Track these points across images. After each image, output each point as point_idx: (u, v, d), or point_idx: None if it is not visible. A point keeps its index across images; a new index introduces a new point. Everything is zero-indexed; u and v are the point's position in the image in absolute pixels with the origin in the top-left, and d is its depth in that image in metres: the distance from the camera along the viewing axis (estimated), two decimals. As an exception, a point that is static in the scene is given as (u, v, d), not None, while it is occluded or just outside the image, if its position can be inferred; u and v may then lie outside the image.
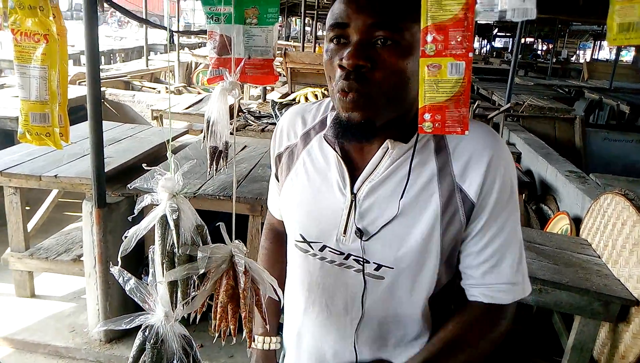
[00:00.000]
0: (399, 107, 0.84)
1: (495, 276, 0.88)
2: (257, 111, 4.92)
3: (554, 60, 14.51)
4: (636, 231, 2.09)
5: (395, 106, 0.83)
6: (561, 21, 12.78)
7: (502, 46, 26.20)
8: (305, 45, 8.95)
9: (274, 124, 4.44)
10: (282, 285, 1.12)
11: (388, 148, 0.86)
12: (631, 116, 7.47)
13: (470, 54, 0.62)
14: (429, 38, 0.63)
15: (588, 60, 17.45)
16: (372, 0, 0.78)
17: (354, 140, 0.86)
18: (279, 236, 1.17)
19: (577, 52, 25.75)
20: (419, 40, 0.77)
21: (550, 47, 21.51)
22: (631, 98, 8.18)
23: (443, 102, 0.65)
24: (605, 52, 24.57)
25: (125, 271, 0.84)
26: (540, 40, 23.21)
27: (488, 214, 0.86)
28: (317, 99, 4.66)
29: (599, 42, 19.68)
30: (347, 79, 0.79)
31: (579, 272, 2.09)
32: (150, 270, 0.80)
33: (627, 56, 19.94)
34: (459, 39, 0.61)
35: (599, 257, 2.32)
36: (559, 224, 3.02)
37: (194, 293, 0.76)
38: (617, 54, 11.90)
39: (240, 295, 0.70)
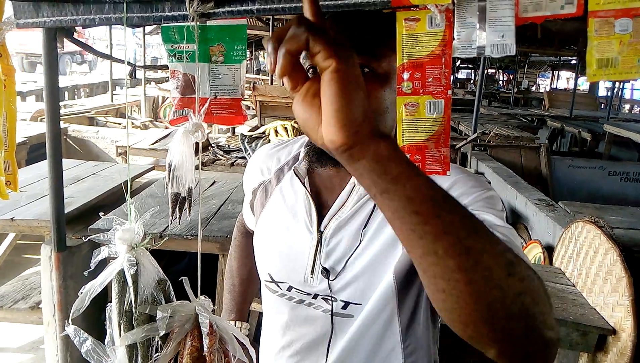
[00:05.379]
0: None
1: None
2: (226, 145, 4.85)
3: (516, 90, 14.99)
4: (609, 259, 2.10)
5: None
6: (521, 53, 13.28)
7: (465, 77, 26.96)
8: (273, 78, 8.98)
9: (244, 158, 4.38)
10: (255, 278, 1.14)
11: (355, 184, 0.84)
12: (592, 143, 7.73)
13: (449, 92, 0.58)
14: (406, 75, 0.59)
15: (548, 89, 18.10)
16: (348, 27, 0.76)
17: (330, 164, 0.82)
18: (250, 233, 1.15)
19: (537, 81, 26.72)
20: (395, 69, 0.77)
21: (511, 77, 22.28)
22: (591, 125, 8.49)
23: (423, 141, 0.61)
24: (563, 82, 25.57)
25: (82, 331, 0.76)
26: (501, 71, 24.01)
27: None
28: (287, 131, 4.64)
29: (557, 72, 20.45)
30: None
31: (556, 302, 2.07)
32: (108, 331, 0.73)
33: (584, 85, 20.78)
34: (437, 76, 0.58)
35: (574, 286, 2.31)
36: (532, 253, 3.02)
37: (156, 355, 0.69)
38: (575, 84, 12.43)
39: (207, 358, 0.63)
